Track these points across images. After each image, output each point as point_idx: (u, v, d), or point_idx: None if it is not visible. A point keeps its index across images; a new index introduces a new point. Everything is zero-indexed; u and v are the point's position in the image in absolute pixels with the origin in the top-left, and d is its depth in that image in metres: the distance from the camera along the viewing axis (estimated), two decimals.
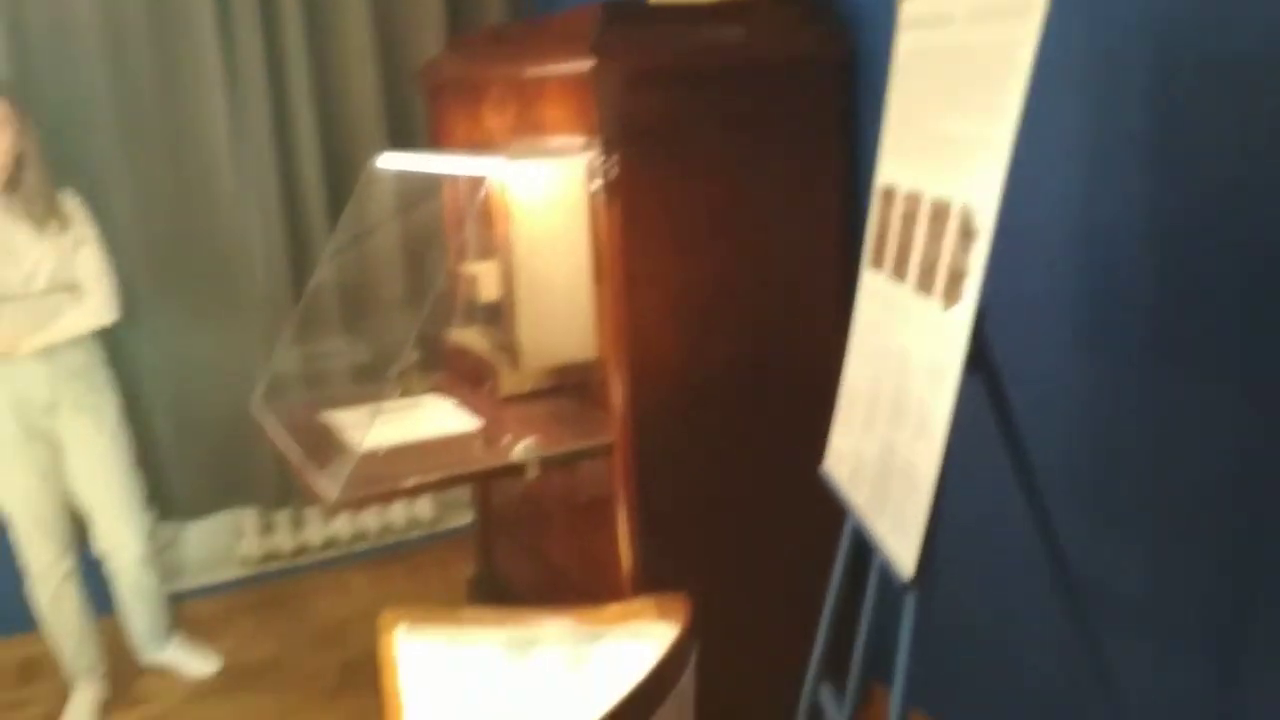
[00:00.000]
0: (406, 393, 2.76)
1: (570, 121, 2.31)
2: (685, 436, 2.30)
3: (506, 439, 2.32)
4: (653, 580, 2.25)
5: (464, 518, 3.67)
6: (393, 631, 1.76)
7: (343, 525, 3.58)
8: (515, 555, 3.10)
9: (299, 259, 3.22)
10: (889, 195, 1.77)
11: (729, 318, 2.30)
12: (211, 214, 3.13)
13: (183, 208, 3.10)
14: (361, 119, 3.28)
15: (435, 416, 2.59)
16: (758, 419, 2.37)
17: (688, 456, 2.31)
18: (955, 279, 1.47)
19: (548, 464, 2.24)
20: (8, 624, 3.12)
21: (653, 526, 2.29)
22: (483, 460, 2.28)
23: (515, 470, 2.24)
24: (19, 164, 2.64)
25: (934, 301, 1.53)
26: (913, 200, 1.66)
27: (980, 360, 1.52)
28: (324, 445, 2.40)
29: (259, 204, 3.15)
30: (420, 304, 3.27)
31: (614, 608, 1.61)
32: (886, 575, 1.70)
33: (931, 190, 1.59)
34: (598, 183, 2.18)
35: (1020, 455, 1.60)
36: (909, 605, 1.56)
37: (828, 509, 1.98)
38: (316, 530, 3.56)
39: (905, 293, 1.65)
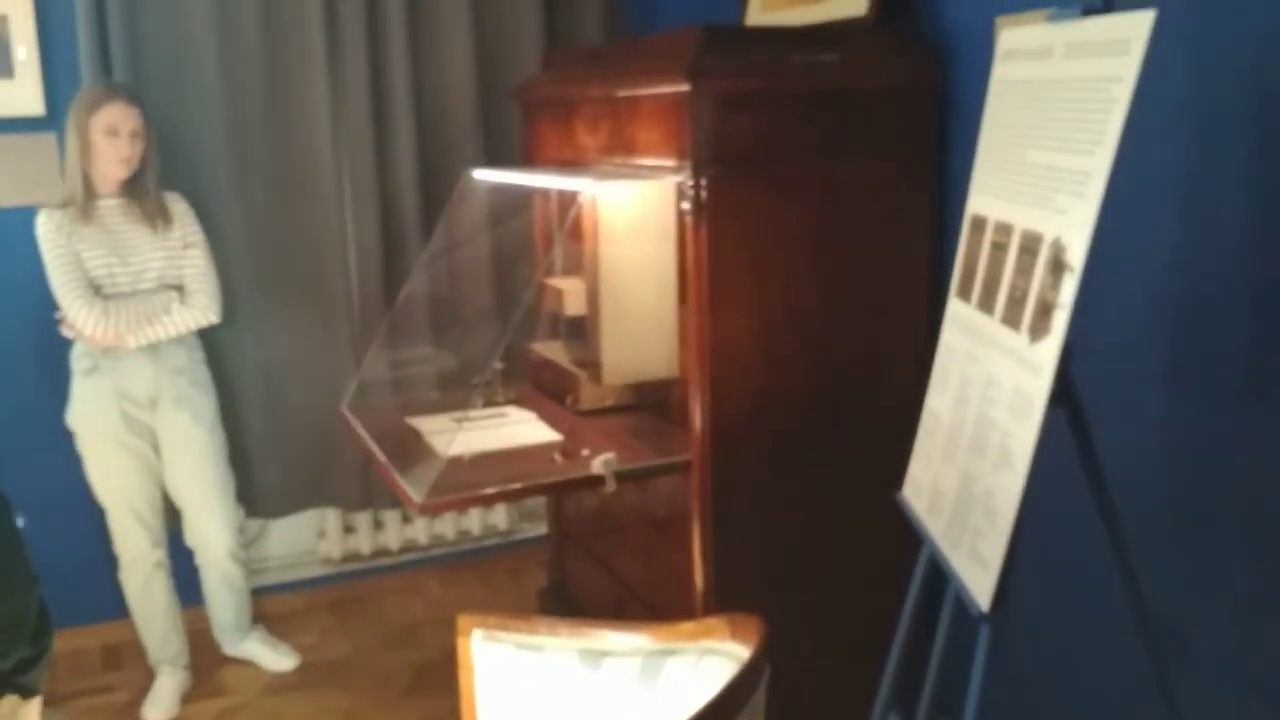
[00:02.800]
0: (490, 402, 2.81)
1: (662, 142, 2.34)
2: (763, 458, 2.31)
3: (585, 452, 2.35)
4: (725, 600, 2.26)
5: (538, 528, 3.71)
6: (469, 635, 1.80)
7: (420, 530, 3.65)
8: (587, 568, 3.14)
9: (392, 267, 3.30)
10: (979, 225, 1.77)
11: (812, 341, 2.31)
12: (310, 222, 3.24)
13: (284, 214, 3.21)
14: (458, 133, 3.36)
15: (517, 427, 2.63)
16: (836, 443, 2.37)
17: (765, 478, 2.32)
18: (1043, 313, 1.46)
19: (625, 478, 2.26)
20: (95, 611, 3.21)
21: (727, 546, 2.30)
22: (562, 472, 2.32)
23: (593, 483, 2.27)
24: (141, 167, 2.76)
25: (1021, 335, 1.53)
26: (1003, 231, 1.66)
27: (1065, 395, 1.51)
28: (411, 449, 2.46)
29: (356, 213, 3.24)
30: (506, 315, 3.34)
31: (687, 625, 1.63)
32: (961, 606, 1.69)
33: (1023, 222, 1.59)
34: (687, 204, 2.20)
35: (1103, 493, 1.58)
36: (982, 637, 1.55)
37: (903, 536, 1.98)
38: (395, 533, 3.63)
39: (992, 324, 1.65)
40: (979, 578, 1.56)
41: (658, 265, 2.43)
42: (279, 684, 3.08)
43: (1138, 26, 1.35)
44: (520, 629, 1.77)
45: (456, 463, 2.31)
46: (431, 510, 2.19)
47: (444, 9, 3.31)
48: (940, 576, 1.76)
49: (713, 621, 1.61)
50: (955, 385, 1.76)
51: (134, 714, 2.94)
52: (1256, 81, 1.71)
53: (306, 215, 3.24)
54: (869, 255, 2.33)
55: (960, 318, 1.79)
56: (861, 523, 2.38)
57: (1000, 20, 2.17)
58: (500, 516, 3.74)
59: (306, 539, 3.61)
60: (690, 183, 2.16)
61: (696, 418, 2.27)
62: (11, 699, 1.29)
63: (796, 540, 2.39)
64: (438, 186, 3.31)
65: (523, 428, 2.63)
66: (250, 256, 3.18)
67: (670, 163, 2.30)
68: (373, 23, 3.20)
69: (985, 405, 1.63)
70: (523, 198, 3.11)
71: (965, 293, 1.78)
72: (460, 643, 1.82)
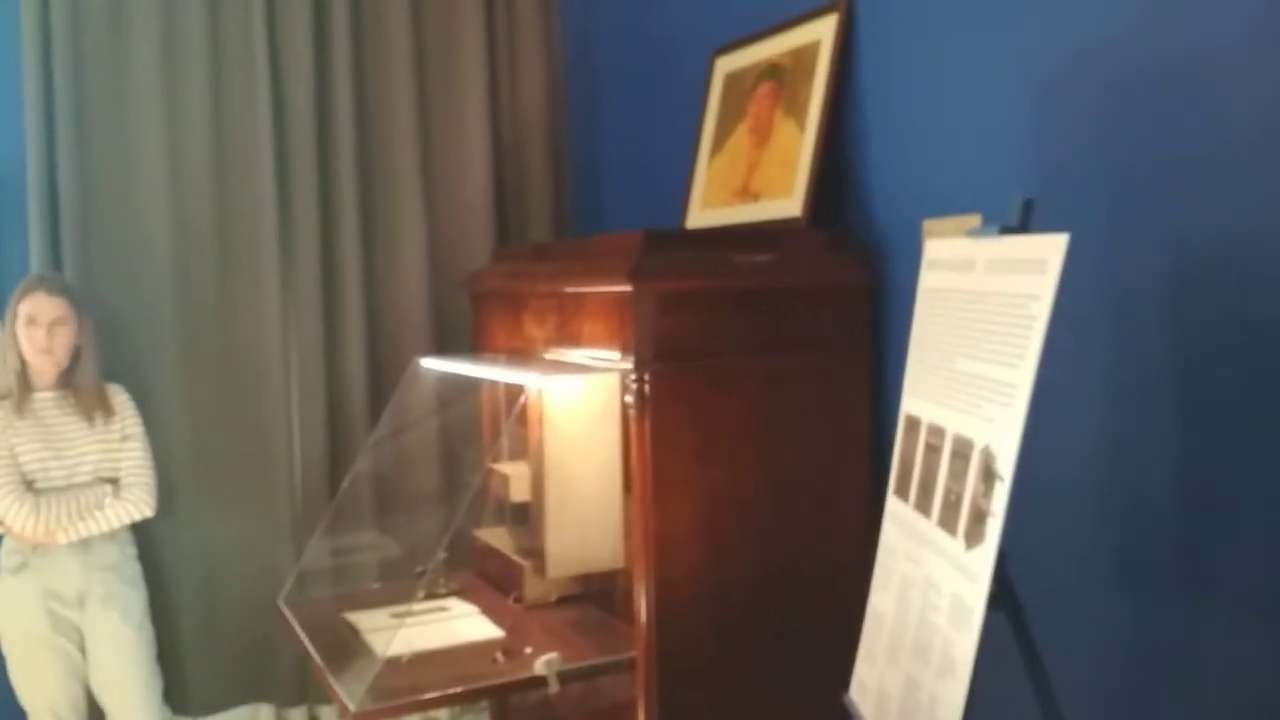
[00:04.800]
0: (432, 594, 2.76)
1: (607, 336, 2.40)
2: (709, 654, 2.27)
3: (529, 650, 2.31)
4: None
5: None
6: None
7: None
8: None
9: (337, 454, 3.29)
10: (913, 425, 1.81)
11: (756, 533, 2.31)
12: (256, 409, 3.23)
13: (229, 402, 3.20)
14: (408, 321, 3.41)
15: (459, 621, 2.58)
16: (785, 636, 2.34)
17: (711, 675, 2.27)
18: (977, 520, 1.48)
19: (569, 679, 2.21)
20: None
21: None
22: (504, 673, 2.26)
23: (536, 684, 2.22)
24: (74, 357, 2.76)
25: (958, 540, 1.54)
26: (935, 434, 1.70)
27: (1004, 598, 1.52)
28: (348, 647, 2.40)
29: (302, 400, 3.25)
30: (451, 502, 3.32)
31: None
32: None
33: (954, 427, 1.63)
34: (630, 397, 2.24)
35: (1048, 699, 1.57)
36: None
37: None
38: None
39: (929, 526, 1.67)
40: None
41: (602, 455, 2.45)
42: None
43: (1052, 248, 1.42)
44: None
45: (395, 663, 2.25)
46: (370, 718, 2.11)
47: (397, 199, 3.41)
48: None
49: None
50: (897, 585, 1.77)
51: None
52: (1170, 287, 1.80)
53: (252, 403, 3.23)
54: (811, 446, 2.36)
55: (899, 516, 1.81)
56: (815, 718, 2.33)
57: (927, 225, 2.27)
58: (441, 712, 3.61)
59: None
60: (633, 377, 2.20)
61: (642, 611, 2.24)
62: None
63: None
64: (386, 373, 3.34)
65: (464, 623, 2.58)
66: (193, 445, 3.15)
67: (615, 356, 2.35)
68: (326, 210, 3.29)
69: (926, 609, 1.63)
70: (471, 384, 3.13)
71: (903, 492, 1.81)
72: None
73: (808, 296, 2.38)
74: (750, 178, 2.74)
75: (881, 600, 1.82)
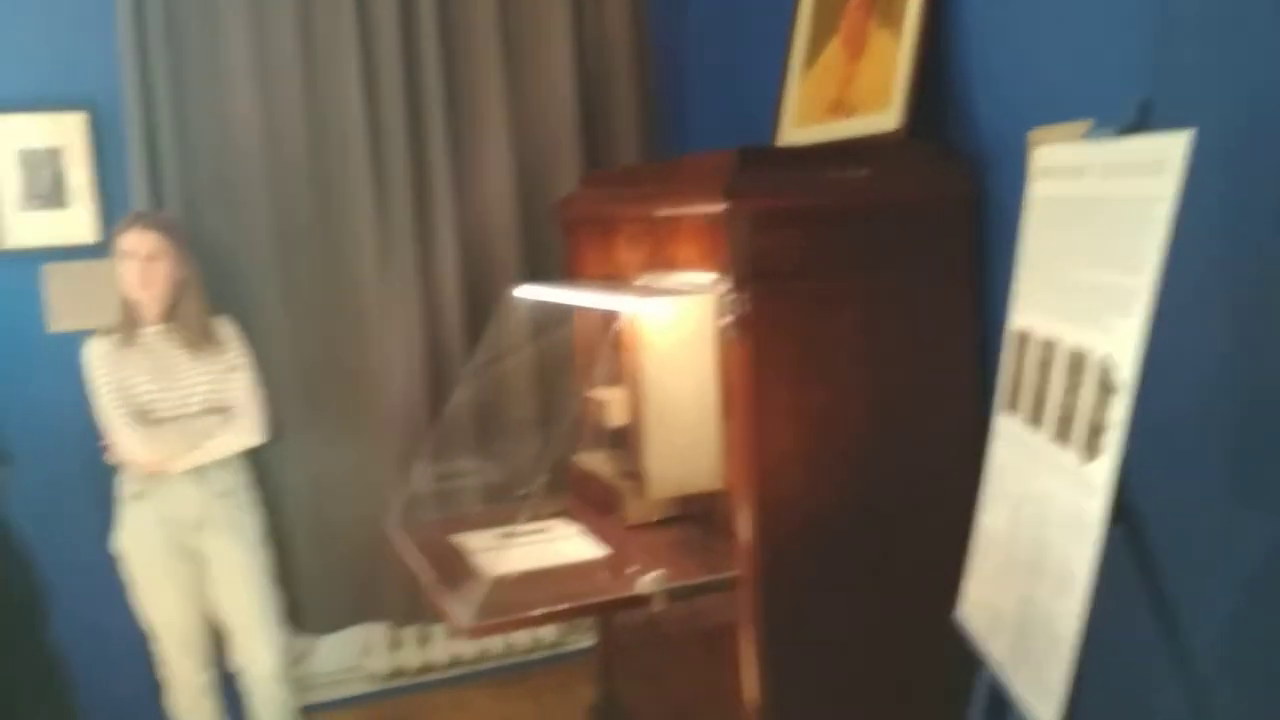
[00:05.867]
0: (534, 517, 2.80)
1: (701, 258, 2.38)
2: (814, 572, 2.28)
3: (633, 569, 2.33)
4: (778, 718, 2.21)
5: (585, 641, 3.67)
6: None
7: (467, 644, 3.62)
8: (637, 682, 3.09)
9: (436, 384, 3.34)
10: (1023, 340, 1.76)
11: (858, 453, 2.30)
12: (357, 341, 3.29)
13: (330, 335, 3.27)
14: (500, 248, 3.42)
15: (563, 543, 2.62)
16: (889, 557, 2.34)
17: (816, 593, 2.28)
18: (1095, 433, 1.45)
19: (673, 596, 2.24)
20: None
21: (778, 663, 2.26)
22: (609, 591, 2.29)
23: (640, 602, 2.25)
24: (178, 292, 2.83)
25: (1072, 453, 1.51)
26: (1048, 347, 1.65)
27: (1124, 513, 1.49)
28: (456, 568, 2.45)
29: (402, 331, 3.29)
30: (549, 428, 3.36)
31: None
32: None
33: (1068, 339, 1.58)
34: (728, 319, 2.22)
35: (1168, 617, 1.54)
36: None
37: (961, 655, 1.93)
38: (442, 648, 3.61)
39: (1042, 441, 1.63)
40: (1043, 705, 1.52)
41: (700, 378, 2.45)
42: None
43: (1173, 147, 1.36)
44: None
45: (502, 582, 2.30)
46: (478, 634, 2.17)
47: (486, 126, 3.40)
48: (1002, 700, 1.71)
49: None
50: (1008, 503, 1.74)
51: None
52: None
53: (352, 335, 3.29)
54: (912, 365, 2.32)
55: (1009, 433, 1.78)
56: (916, 640, 2.33)
57: (1033, 134, 2.19)
58: (547, 629, 3.70)
59: (354, 655, 3.59)
60: (731, 298, 2.18)
61: (744, 532, 2.25)
62: None
63: (849, 657, 2.34)
64: (479, 302, 3.36)
65: (567, 544, 2.62)
66: (297, 375, 3.22)
67: (710, 278, 2.33)
68: (417, 141, 3.30)
69: (1040, 525, 1.60)
70: (565, 311, 3.15)
71: (1013, 408, 1.77)
72: None
73: (908, 212, 2.33)
74: (845, 92, 2.67)
75: (992, 518, 1.80)
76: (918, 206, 2.33)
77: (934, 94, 2.47)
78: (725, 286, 2.22)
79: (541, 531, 2.72)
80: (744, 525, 2.25)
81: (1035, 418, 1.67)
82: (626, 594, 2.26)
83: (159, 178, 3.11)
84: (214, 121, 3.16)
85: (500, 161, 3.40)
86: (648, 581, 2.22)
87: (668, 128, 3.66)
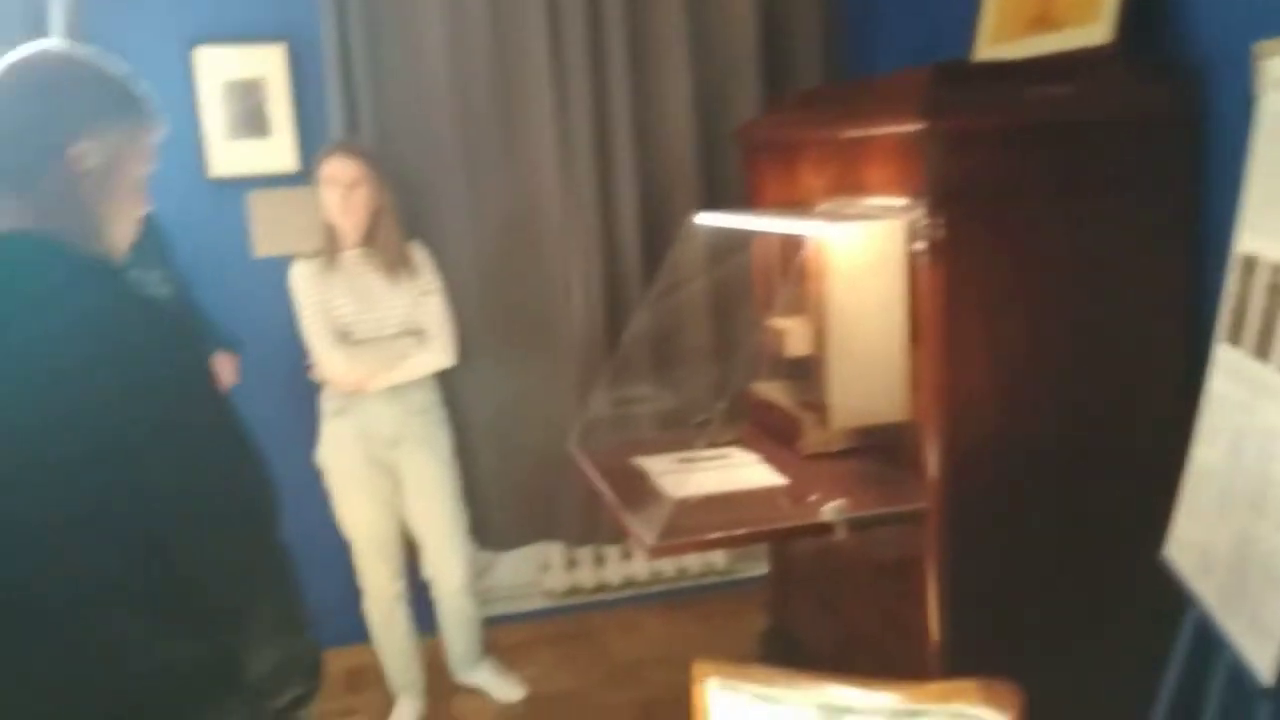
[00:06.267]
0: (712, 443, 2.82)
1: (893, 182, 2.31)
2: (1005, 508, 2.21)
3: (814, 497, 2.32)
4: (962, 657, 2.17)
5: (756, 568, 3.69)
6: (705, 682, 1.80)
7: (640, 566, 3.70)
8: (810, 611, 3.09)
9: (614, 310, 3.38)
10: (1251, 265, 1.65)
11: (1056, 386, 2.20)
12: (538, 267, 3.36)
13: (513, 261, 3.34)
14: (678, 176, 3.41)
15: (742, 469, 2.63)
16: (1084, 494, 2.25)
17: (1007, 529, 2.22)
18: None
19: (856, 526, 2.22)
20: (342, 635, 3.38)
21: (965, 600, 2.21)
22: (791, 518, 2.29)
23: (822, 530, 2.24)
24: (376, 218, 2.94)
25: None
26: (1278, 272, 1.54)
27: None
28: (637, 490, 2.49)
29: (582, 260, 3.34)
30: (726, 356, 3.36)
31: (935, 686, 1.58)
32: (1237, 679, 1.56)
33: None
34: (921, 244, 2.15)
35: None
36: (1261, 714, 1.43)
37: (1164, 598, 1.84)
38: (616, 569, 3.70)
39: (1269, 373, 1.53)
40: (1260, 648, 1.44)
41: (887, 306, 2.39)
42: (508, 715, 3.17)
43: None
44: (758, 679, 1.76)
45: (685, 505, 2.32)
46: (662, 554, 2.21)
47: (664, 53, 3.37)
48: (1209, 644, 1.63)
49: (963, 684, 1.55)
50: (1228, 438, 1.64)
51: None
52: None
53: (534, 262, 3.36)
54: (1119, 296, 2.20)
55: (1231, 366, 1.67)
56: (1114, 581, 2.23)
57: (1260, 46, 2.02)
58: (719, 555, 3.74)
59: (530, 572, 3.72)
60: (925, 222, 2.11)
61: (931, 464, 2.20)
62: None
63: (1040, 597, 2.27)
64: (658, 229, 3.37)
65: (746, 470, 2.63)
66: (482, 301, 3.31)
67: (901, 202, 2.26)
68: (597, 69, 3.30)
69: (1265, 460, 1.51)
70: (742, 239, 3.11)
71: (1236, 338, 1.66)
72: (695, 689, 1.82)
73: (1118, 132, 2.19)
74: (1049, 5, 2.52)
75: (1208, 454, 1.70)
76: (1129, 125, 2.19)
77: (1146, 5, 2.30)
78: (918, 211, 2.15)
79: (721, 458, 2.74)
80: (931, 458, 2.20)
81: (1263, 349, 1.56)
82: (809, 521, 2.25)
83: (355, 109, 3.22)
84: (405, 54, 3.24)
85: (679, 87, 3.37)
86: (830, 510, 2.21)
87: (851, 49, 3.55)
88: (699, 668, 1.82)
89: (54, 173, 1.24)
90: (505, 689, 3.24)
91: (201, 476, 1.19)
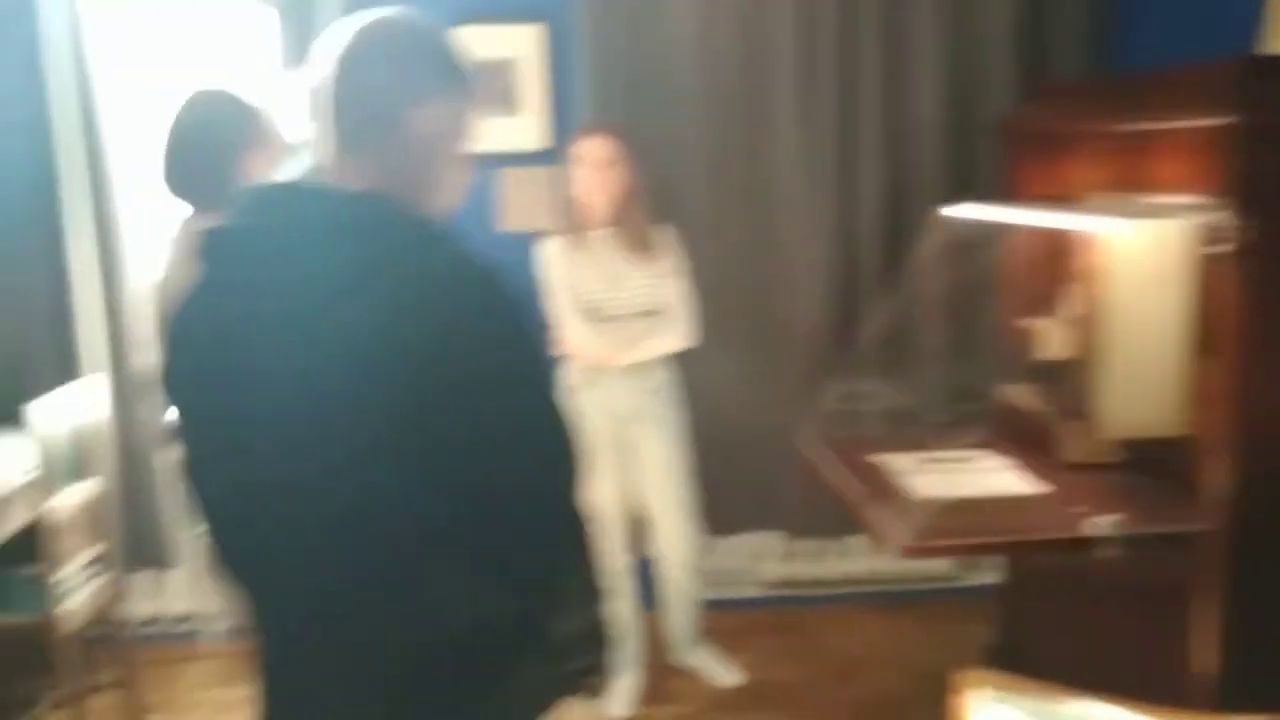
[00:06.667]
0: (953, 445, 2.72)
1: (1182, 179, 2.16)
2: None
3: (1078, 509, 2.20)
4: (1242, 694, 2.02)
5: (980, 577, 3.55)
6: (972, 693, 1.73)
7: (859, 564, 3.63)
8: (1047, 626, 2.94)
9: (849, 301, 3.32)
10: None
11: None
12: (775, 256, 3.34)
13: (751, 248, 3.34)
14: (924, 169, 3.32)
15: (992, 474, 2.53)
16: None
17: None
18: None
19: (1129, 544, 2.09)
20: None
21: (1247, 634, 2.06)
22: (1051, 529, 2.19)
23: (1087, 545, 2.12)
24: (625, 199, 2.97)
25: None
26: None
27: None
28: (880, 486, 2.43)
29: (819, 253, 3.30)
30: (966, 355, 3.24)
31: None
32: None
33: None
34: (1221, 247, 2.00)
35: None
36: None
37: None
38: (834, 564, 3.65)
39: None
40: None
41: (1169, 312, 2.23)
42: (725, 700, 3.17)
43: None
44: (1034, 693, 1.68)
45: (937, 507, 2.25)
46: (916, 554, 2.14)
47: (917, 44, 3.29)
48: None
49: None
50: None
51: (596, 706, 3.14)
52: None
53: (771, 250, 3.35)
54: None
55: None
56: None
57: None
58: (945, 560, 3.63)
59: (745, 559, 3.70)
60: (1232, 224, 1.96)
61: (1217, 483, 2.05)
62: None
63: None
64: (901, 221, 3.28)
65: (994, 476, 2.52)
66: (720, 288, 3.31)
67: (1188, 200, 2.11)
68: (846, 57, 3.24)
69: None
70: (989, 234, 2.98)
71: None
72: (955, 699, 1.76)
73: None
74: None
75: None
76: None
77: None
78: (1217, 210, 2.00)
79: (965, 460, 2.64)
80: (1217, 476, 2.05)
81: None
82: (1073, 534, 2.14)
83: (607, 91, 3.26)
84: (657, 41, 3.27)
85: (932, 79, 3.28)
86: (1101, 524, 2.09)
87: (1111, 41, 3.35)
88: (968, 677, 1.76)
89: (393, 137, 1.28)
90: (722, 673, 3.24)
91: (531, 435, 1.22)
